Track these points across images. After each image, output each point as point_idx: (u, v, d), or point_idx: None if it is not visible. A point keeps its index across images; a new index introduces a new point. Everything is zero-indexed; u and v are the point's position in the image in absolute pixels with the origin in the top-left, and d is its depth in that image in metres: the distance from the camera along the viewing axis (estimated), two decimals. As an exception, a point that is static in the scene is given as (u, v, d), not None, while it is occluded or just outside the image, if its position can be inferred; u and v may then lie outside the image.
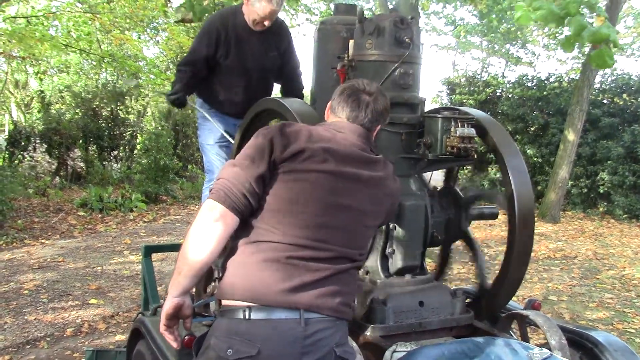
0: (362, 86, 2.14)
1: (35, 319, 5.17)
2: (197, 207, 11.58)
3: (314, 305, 1.89)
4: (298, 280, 1.88)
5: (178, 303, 1.98)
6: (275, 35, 3.93)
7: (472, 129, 2.56)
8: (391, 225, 2.62)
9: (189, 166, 15.42)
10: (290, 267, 1.89)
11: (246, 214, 1.93)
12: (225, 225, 1.89)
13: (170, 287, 1.98)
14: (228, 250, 1.96)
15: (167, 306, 1.97)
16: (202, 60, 3.83)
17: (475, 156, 2.64)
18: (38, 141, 12.97)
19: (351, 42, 2.72)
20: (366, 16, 2.68)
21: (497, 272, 2.72)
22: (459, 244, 3.06)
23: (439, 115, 2.57)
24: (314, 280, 1.90)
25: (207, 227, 1.88)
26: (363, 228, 2.08)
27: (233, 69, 3.86)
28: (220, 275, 2.01)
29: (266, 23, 3.74)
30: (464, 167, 13.80)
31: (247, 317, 1.85)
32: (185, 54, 4.09)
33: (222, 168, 2.03)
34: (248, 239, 1.93)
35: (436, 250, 3.21)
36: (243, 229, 1.94)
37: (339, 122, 2.11)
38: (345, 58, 2.72)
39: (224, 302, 1.95)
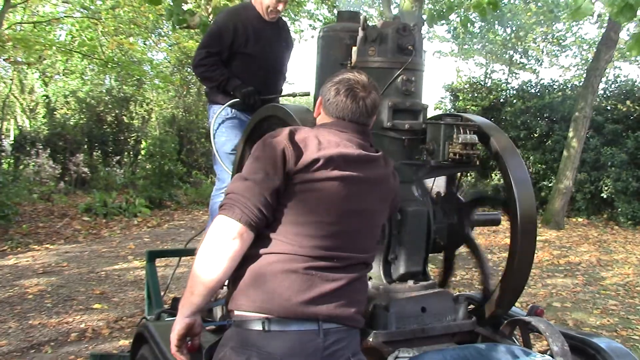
0: (355, 81, 2.07)
1: (39, 323, 5.18)
2: (201, 212, 11.60)
3: (332, 315, 1.88)
4: (317, 291, 1.87)
5: (190, 323, 1.92)
6: (284, 30, 4.09)
7: (475, 136, 2.56)
8: (394, 231, 2.63)
9: (193, 172, 15.46)
10: (309, 278, 1.87)
11: (261, 228, 1.89)
12: (242, 242, 1.84)
13: (181, 306, 1.92)
14: (242, 259, 1.91)
15: (179, 327, 1.92)
16: (220, 50, 3.84)
17: (478, 163, 2.65)
18: (42, 146, 13.03)
19: (354, 48, 2.73)
20: (369, 23, 2.70)
21: (500, 278, 2.73)
22: (462, 250, 3.06)
23: (442, 122, 2.58)
24: (332, 290, 1.89)
25: (222, 245, 1.82)
26: (375, 228, 2.09)
27: (253, 58, 3.89)
28: (230, 283, 1.98)
29: (280, 7, 3.84)
30: (467, 174, 13.83)
31: (265, 328, 1.83)
32: (197, 54, 3.99)
33: (232, 181, 1.96)
34: (264, 249, 1.89)
35: (439, 256, 3.22)
36: (258, 240, 1.90)
37: (340, 122, 2.06)
38: (349, 65, 2.73)
39: (238, 312, 1.92)
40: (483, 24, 16.14)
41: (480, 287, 2.93)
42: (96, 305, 5.71)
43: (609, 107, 12.96)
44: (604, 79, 12.85)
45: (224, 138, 3.94)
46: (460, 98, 15.40)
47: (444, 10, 8.06)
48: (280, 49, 4.08)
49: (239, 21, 3.84)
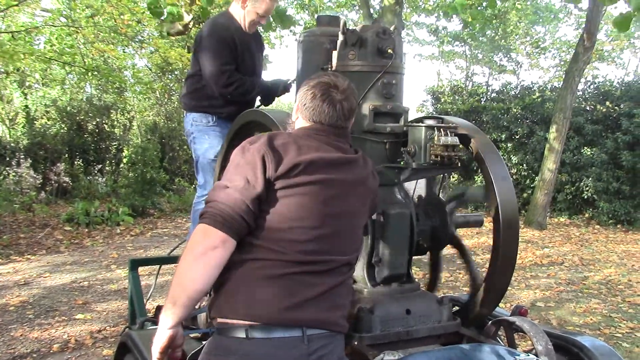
0: (332, 85, 2.06)
1: (21, 335, 5.11)
2: (184, 220, 11.53)
3: (316, 321, 1.87)
4: (300, 296, 1.86)
5: (172, 334, 1.88)
6: (259, 38, 4.07)
7: (456, 137, 2.57)
8: (377, 234, 2.63)
9: (176, 179, 15.38)
10: (291, 283, 1.86)
11: (243, 235, 1.87)
12: (224, 250, 1.82)
13: (163, 317, 1.88)
14: (224, 267, 1.88)
15: (162, 339, 1.87)
16: (232, 61, 3.76)
17: (460, 164, 2.67)
18: (23, 156, 12.90)
19: (334, 53, 2.74)
20: (349, 27, 2.70)
21: (484, 279, 2.74)
22: (445, 252, 3.07)
23: (423, 124, 2.59)
24: (315, 295, 1.88)
25: (205, 255, 1.80)
26: (356, 229, 2.09)
27: (244, 72, 3.85)
28: (213, 291, 1.96)
29: (263, 22, 3.84)
30: (451, 176, 13.91)
31: (248, 336, 1.81)
32: (217, 77, 3.77)
33: (212, 190, 1.94)
34: (247, 256, 1.88)
35: (424, 259, 3.22)
36: (240, 247, 1.88)
37: (317, 126, 2.06)
38: (329, 69, 2.74)
39: (220, 319, 1.90)
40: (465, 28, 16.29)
41: (467, 288, 2.94)
42: (79, 316, 5.65)
43: (588, 108, 13.11)
44: (582, 80, 12.98)
45: (207, 145, 3.90)
46: (442, 100, 15.50)
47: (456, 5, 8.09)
48: (260, 58, 4.07)
49: (232, 34, 3.78)
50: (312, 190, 1.92)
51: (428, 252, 2.99)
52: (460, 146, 2.63)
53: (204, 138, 3.92)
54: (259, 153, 1.89)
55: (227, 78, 3.72)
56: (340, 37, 2.69)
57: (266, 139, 1.94)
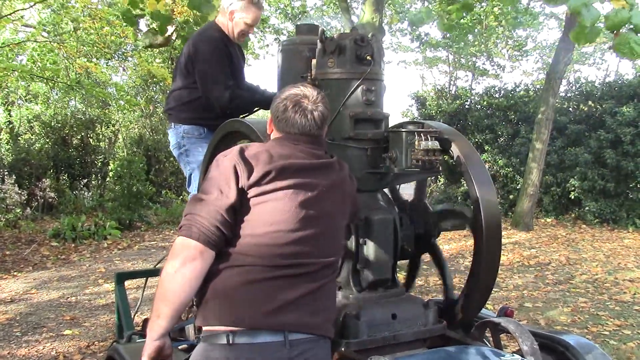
0: (302, 95, 2.09)
1: (8, 353, 5.06)
2: (172, 232, 11.49)
3: (298, 324, 1.89)
4: (281, 300, 1.88)
5: (159, 345, 1.93)
6: (240, 48, 4.06)
7: (436, 142, 2.60)
8: (361, 240, 2.64)
9: (163, 191, 15.31)
10: (273, 287, 1.89)
11: (221, 245, 1.91)
12: (203, 261, 1.86)
13: (149, 330, 1.93)
14: (205, 275, 1.93)
15: (150, 350, 1.92)
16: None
17: (441, 168, 2.69)
18: (7, 172, 12.79)
19: (313, 61, 2.76)
20: (327, 35, 2.72)
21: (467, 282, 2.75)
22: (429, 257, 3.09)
23: (403, 130, 2.61)
24: (297, 298, 1.90)
25: (184, 267, 1.84)
26: (337, 231, 2.12)
27: (239, 84, 3.85)
28: (197, 301, 1.98)
29: (251, 31, 3.86)
30: (437, 179, 13.96)
31: (230, 341, 1.84)
32: (219, 96, 3.70)
33: (188, 202, 1.99)
34: (226, 264, 1.91)
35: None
36: (220, 257, 1.92)
37: (291, 136, 2.09)
38: (309, 77, 2.75)
39: (206, 328, 1.93)
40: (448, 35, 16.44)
41: (444, 295, 2.96)
42: (67, 332, 5.61)
43: (571, 109, 13.22)
44: (564, 81, 13.10)
45: (202, 157, 3.88)
46: (427, 105, 15.55)
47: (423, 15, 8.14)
48: (244, 67, 4.09)
49: (228, 47, 3.77)
50: (286, 195, 1.95)
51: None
52: (441, 150, 2.65)
53: (197, 151, 3.90)
54: (230, 164, 1.94)
55: (231, 93, 3.71)
56: (319, 45, 2.71)
57: (238, 150, 1.99)
